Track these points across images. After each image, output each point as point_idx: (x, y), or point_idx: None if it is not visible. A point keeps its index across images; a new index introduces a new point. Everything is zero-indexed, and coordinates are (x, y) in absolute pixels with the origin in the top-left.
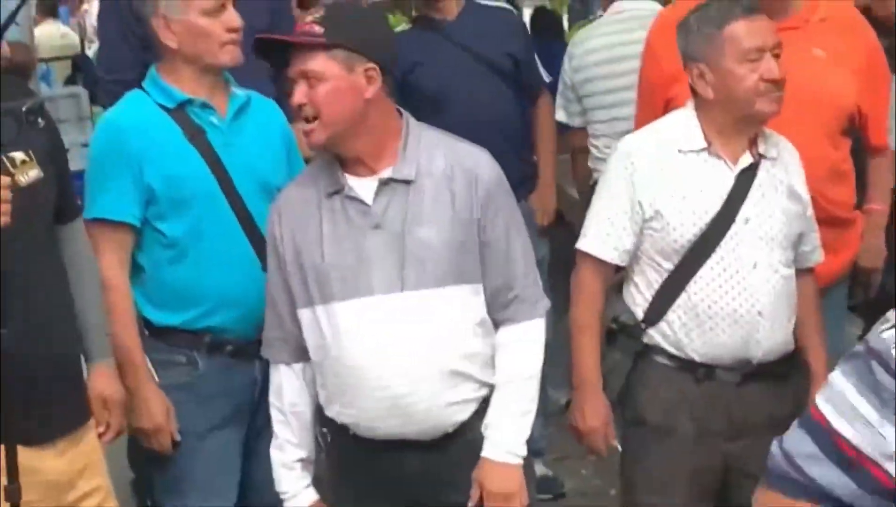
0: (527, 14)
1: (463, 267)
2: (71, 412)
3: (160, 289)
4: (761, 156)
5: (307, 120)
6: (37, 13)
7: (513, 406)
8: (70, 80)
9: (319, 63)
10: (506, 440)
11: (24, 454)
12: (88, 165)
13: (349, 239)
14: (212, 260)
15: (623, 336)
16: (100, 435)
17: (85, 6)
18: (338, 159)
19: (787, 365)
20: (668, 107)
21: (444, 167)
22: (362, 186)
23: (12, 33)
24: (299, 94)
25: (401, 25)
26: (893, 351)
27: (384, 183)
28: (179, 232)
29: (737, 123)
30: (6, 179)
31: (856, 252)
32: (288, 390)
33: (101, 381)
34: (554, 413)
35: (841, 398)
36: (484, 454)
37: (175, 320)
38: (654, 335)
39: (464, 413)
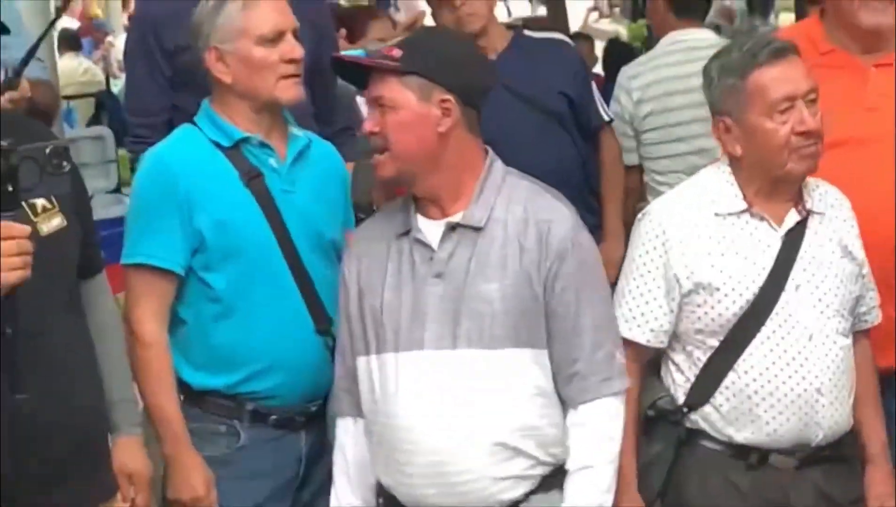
0: (599, 46)
1: (525, 330)
2: (94, 488)
3: (201, 347)
4: (809, 211)
5: (377, 151)
6: (57, 46)
7: (580, 499)
8: (94, 120)
9: (393, 90)
10: None
11: None
12: (131, 205)
13: (409, 286)
14: (261, 318)
15: (663, 423)
16: None
17: (110, 38)
18: (413, 198)
19: (848, 445)
20: None
21: (521, 218)
22: (431, 230)
23: (33, 70)
24: (370, 121)
25: None
26: None
27: (452, 228)
28: (227, 285)
29: (771, 182)
30: (26, 229)
31: None
32: (351, 447)
33: (126, 455)
34: None
35: None
36: None
37: (216, 384)
38: (699, 420)
39: (515, 491)
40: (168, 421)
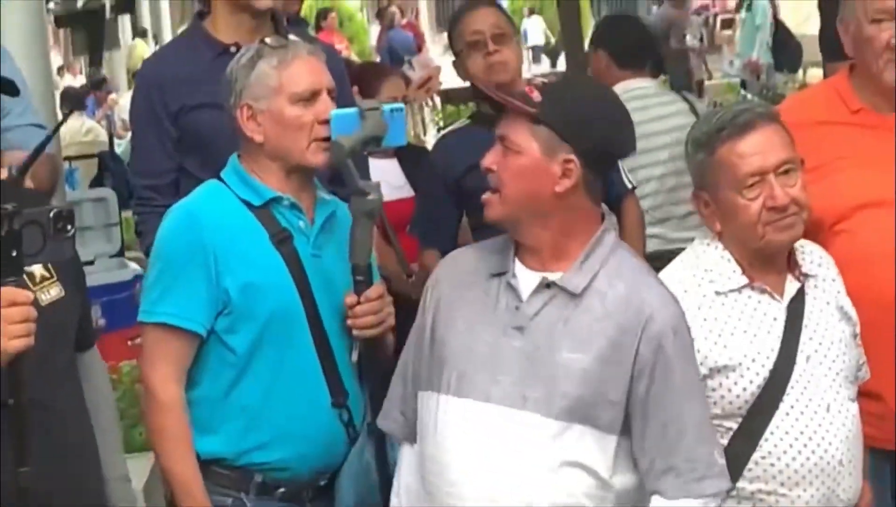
0: None
1: (597, 408)
2: None
3: (214, 412)
4: (805, 276)
5: (490, 189)
6: (59, 105)
7: None
8: (96, 182)
9: (520, 134)
10: None
11: None
12: (154, 261)
13: (486, 332)
14: (279, 385)
15: None
16: None
17: (113, 96)
18: (515, 242)
19: None
20: None
21: (623, 295)
22: (525, 279)
23: (32, 138)
24: (491, 157)
25: (461, 120)
26: None
27: (547, 285)
28: (248, 348)
29: (758, 254)
30: (29, 295)
31: None
32: (405, 470)
33: None
34: None
35: None
36: None
37: (225, 451)
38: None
39: None
40: (187, 485)
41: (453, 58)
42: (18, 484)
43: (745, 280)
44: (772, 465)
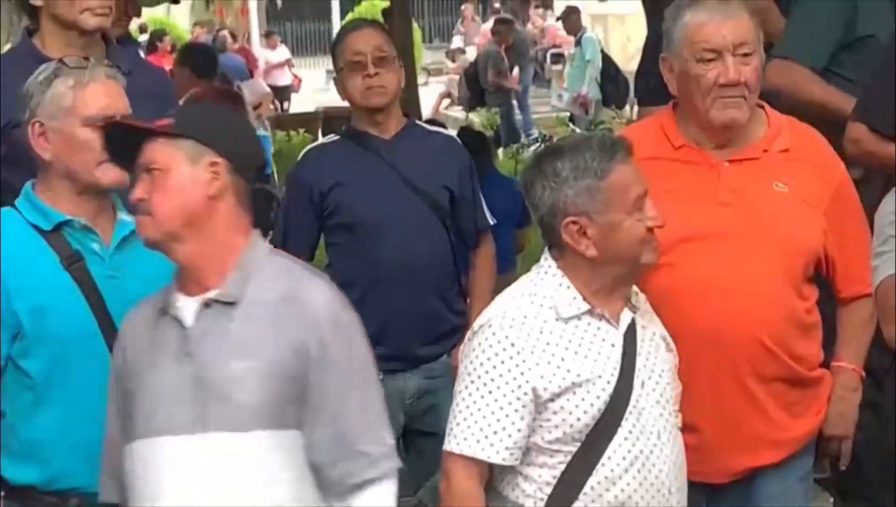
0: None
1: (277, 411)
2: None
3: (19, 439)
4: (634, 307)
5: (143, 214)
6: None
7: None
8: None
9: (163, 153)
10: None
11: None
12: None
13: (163, 367)
14: (82, 406)
15: None
16: None
17: None
18: (176, 274)
19: None
20: None
21: (280, 295)
22: (188, 306)
23: None
24: (139, 189)
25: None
26: None
27: (207, 305)
28: (43, 372)
29: (617, 279)
30: None
31: (822, 417)
32: None
33: None
34: None
35: None
36: None
37: (36, 478)
38: None
39: None
40: None
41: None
42: None
43: (586, 306)
44: (607, 490)
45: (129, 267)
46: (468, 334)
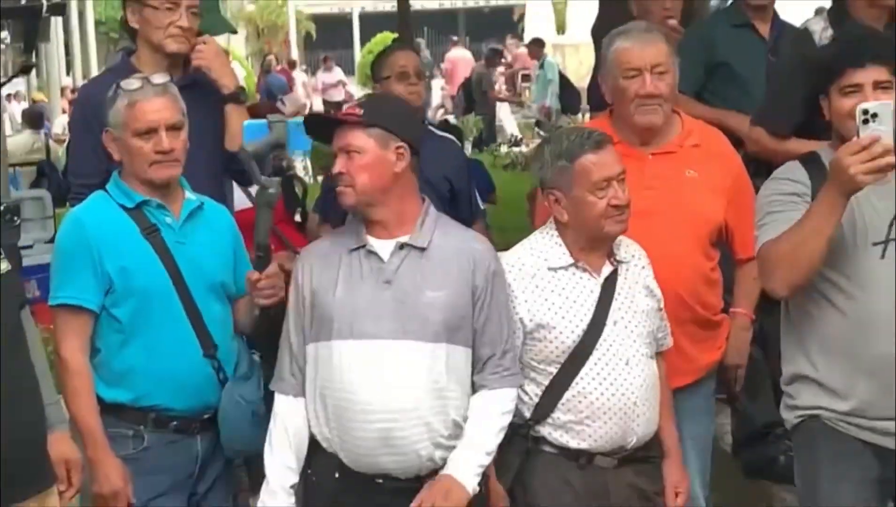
0: None
1: (457, 330)
2: (40, 475)
3: (112, 370)
4: (619, 262)
5: (344, 185)
6: (22, 122)
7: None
8: (35, 184)
9: (359, 138)
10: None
11: None
12: (54, 257)
13: (361, 288)
14: (158, 344)
15: (516, 437)
16: (61, 493)
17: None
18: (364, 222)
19: (654, 448)
20: None
21: (456, 247)
22: (381, 247)
23: None
24: (338, 165)
25: None
26: None
27: (400, 246)
28: (130, 318)
29: (591, 241)
30: None
31: (723, 350)
32: (292, 420)
33: (60, 446)
34: None
35: None
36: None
37: (124, 399)
38: (542, 431)
39: (441, 455)
40: (91, 431)
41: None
42: None
43: (571, 260)
44: (580, 402)
45: (195, 235)
46: None
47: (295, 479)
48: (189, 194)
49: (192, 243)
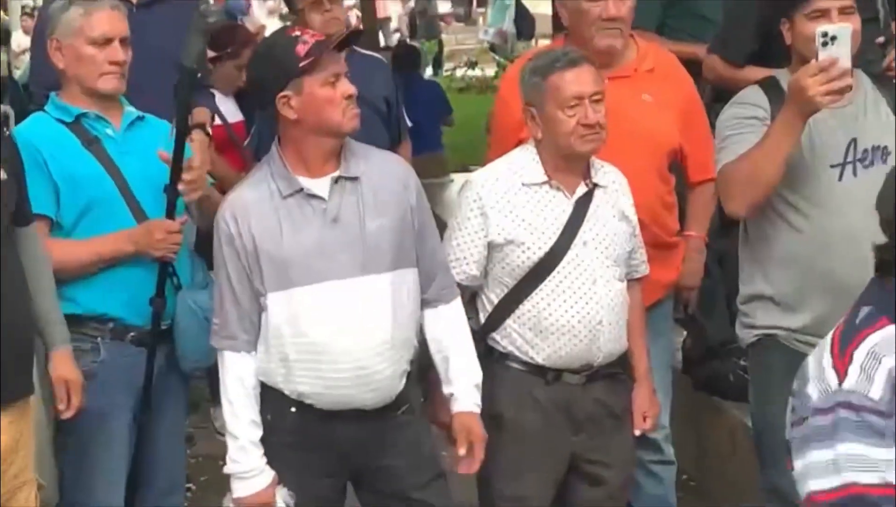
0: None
1: (407, 253)
2: (21, 382)
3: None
4: (595, 185)
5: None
6: None
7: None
8: None
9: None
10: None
11: None
12: None
13: (309, 231)
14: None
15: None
16: (61, 412)
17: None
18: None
19: (621, 365)
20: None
21: (382, 172)
22: (317, 185)
23: None
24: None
25: None
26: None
27: (335, 181)
28: (78, 223)
29: (564, 159)
30: None
31: (679, 271)
32: (250, 375)
33: (61, 365)
34: None
35: None
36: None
37: (80, 309)
38: (501, 341)
39: (404, 381)
40: (89, 243)
41: (275, 19)
42: None
43: (545, 178)
44: (538, 314)
45: (138, 144)
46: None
47: (261, 432)
48: (128, 108)
49: (135, 152)
